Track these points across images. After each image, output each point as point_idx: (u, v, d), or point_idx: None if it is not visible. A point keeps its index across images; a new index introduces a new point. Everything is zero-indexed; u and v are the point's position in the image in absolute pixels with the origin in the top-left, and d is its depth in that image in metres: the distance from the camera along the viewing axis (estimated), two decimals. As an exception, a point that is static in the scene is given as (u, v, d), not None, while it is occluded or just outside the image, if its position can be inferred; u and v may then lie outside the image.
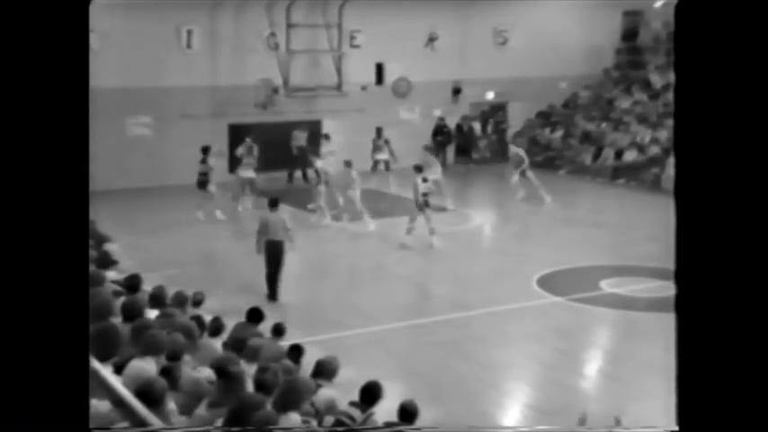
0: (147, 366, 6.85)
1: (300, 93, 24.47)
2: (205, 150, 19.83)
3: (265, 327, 9.23)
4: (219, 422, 6.14)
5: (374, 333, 12.46)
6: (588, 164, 25.98)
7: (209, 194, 19.64)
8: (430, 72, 26.55)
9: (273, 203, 13.95)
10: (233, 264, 15.87)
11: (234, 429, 5.79)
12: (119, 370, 6.81)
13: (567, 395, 10.28)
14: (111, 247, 11.69)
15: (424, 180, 17.73)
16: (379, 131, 23.30)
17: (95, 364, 5.48)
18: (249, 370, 7.53)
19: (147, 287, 9.48)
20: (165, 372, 6.66)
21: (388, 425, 6.67)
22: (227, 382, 6.62)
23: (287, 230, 13.78)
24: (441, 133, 27.35)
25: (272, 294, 13.64)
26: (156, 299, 9.02)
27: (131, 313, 8.15)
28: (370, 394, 6.96)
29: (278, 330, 8.96)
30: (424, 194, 17.54)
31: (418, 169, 17.87)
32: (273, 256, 13.67)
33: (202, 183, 19.64)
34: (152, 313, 8.58)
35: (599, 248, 17.26)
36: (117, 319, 8.09)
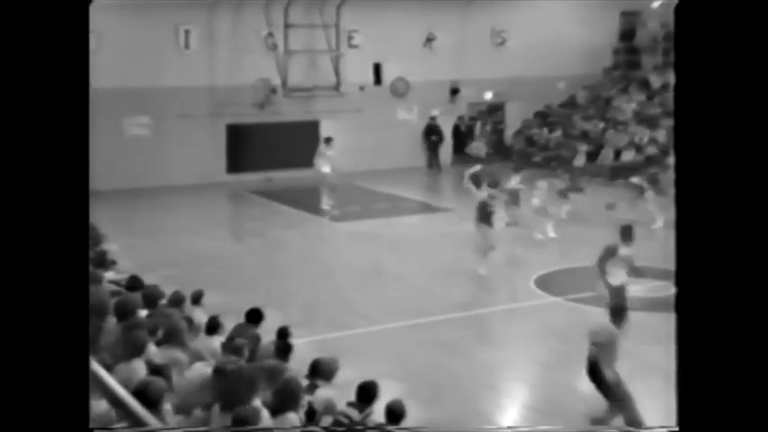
0: (136, 368, 6.85)
1: (298, 93, 24.48)
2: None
3: (268, 327, 9.21)
4: (216, 422, 6.14)
5: (373, 333, 12.45)
6: (582, 164, 25.96)
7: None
8: (428, 72, 26.56)
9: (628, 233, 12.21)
10: (231, 264, 15.86)
11: (230, 429, 5.78)
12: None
13: (566, 395, 10.28)
14: (108, 248, 11.70)
15: (491, 185, 15.49)
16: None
17: (95, 364, 5.48)
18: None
19: (144, 288, 9.47)
20: (156, 372, 6.64)
21: (378, 427, 6.66)
22: (219, 380, 6.60)
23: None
24: (435, 132, 27.34)
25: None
26: (149, 298, 8.99)
27: (124, 313, 8.16)
28: (367, 394, 6.95)
29: (282, 334, 8.92)
30: (485, 204, 15.04)
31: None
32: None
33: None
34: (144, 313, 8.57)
35: (597, 248, 17.22)
36: (111, 319, 8.11)
